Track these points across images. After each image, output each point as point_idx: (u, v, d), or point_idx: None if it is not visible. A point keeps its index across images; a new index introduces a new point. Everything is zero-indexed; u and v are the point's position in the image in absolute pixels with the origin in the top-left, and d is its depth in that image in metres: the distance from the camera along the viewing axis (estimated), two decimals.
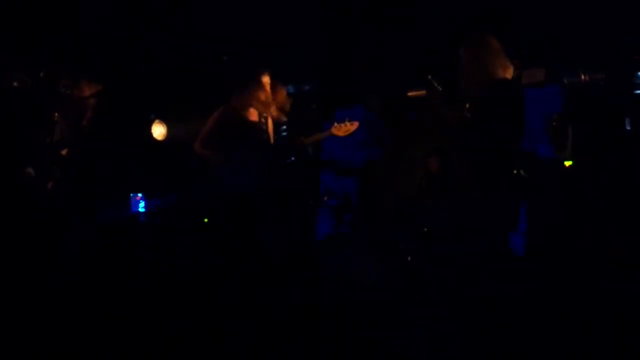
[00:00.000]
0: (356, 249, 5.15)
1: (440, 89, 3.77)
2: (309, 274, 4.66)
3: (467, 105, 3.76)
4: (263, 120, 4.76)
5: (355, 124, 4.95)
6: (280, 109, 4.95)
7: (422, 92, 5.76)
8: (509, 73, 3.60)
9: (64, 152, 5.34)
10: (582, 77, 5.18)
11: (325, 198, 6.02)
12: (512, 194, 3.52)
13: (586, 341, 3.10)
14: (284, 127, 5.43)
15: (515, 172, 3.52)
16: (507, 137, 3.49)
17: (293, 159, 5.21)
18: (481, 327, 3.27)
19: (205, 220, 5.62)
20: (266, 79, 4.64)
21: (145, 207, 5.91)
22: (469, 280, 3.54)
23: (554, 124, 5.35)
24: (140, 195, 5.94)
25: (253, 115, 4.70)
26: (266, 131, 4.73)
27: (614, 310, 3.33)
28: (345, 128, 4.93)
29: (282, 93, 5.01)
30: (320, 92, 6.67)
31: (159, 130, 6.02)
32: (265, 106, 4.63)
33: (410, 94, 6.30)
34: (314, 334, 3.52)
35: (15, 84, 5.18)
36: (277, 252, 4.64)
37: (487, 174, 3.52)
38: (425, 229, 5.24)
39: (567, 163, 5.34)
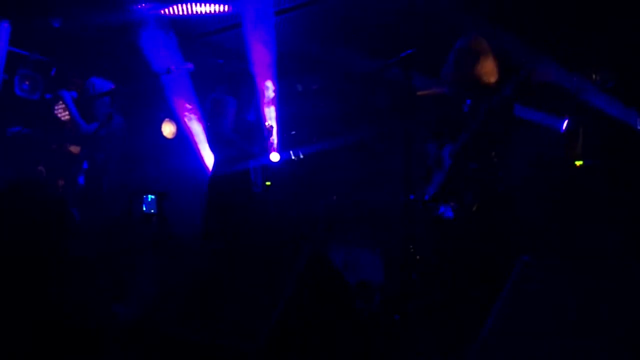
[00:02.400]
0: (360, 248, 5.13)
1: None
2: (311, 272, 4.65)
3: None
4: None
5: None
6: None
7: (432, 92, 5.75)
8: (494, 77, 3.59)
9: (75, 150, 5.40)
10: (593, 76, 5.14)
11: (334, 197, 6.02)
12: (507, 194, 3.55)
13: (586, 341, 3.07)
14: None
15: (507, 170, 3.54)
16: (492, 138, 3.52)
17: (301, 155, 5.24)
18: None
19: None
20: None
21: (157, 206, 5.93)
22: (472, 280, 3.54)
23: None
24: (152, 197, 5.97)
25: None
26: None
27: (614, 310, 3.29)
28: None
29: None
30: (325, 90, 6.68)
31: (168, 129, 6.08)
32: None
33: (420, 93, 6.28)
34: (313, 334, 3.52)
35: (26, 82, 5.25)
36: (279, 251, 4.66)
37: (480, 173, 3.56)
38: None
39: (578, 163, 5.30)
